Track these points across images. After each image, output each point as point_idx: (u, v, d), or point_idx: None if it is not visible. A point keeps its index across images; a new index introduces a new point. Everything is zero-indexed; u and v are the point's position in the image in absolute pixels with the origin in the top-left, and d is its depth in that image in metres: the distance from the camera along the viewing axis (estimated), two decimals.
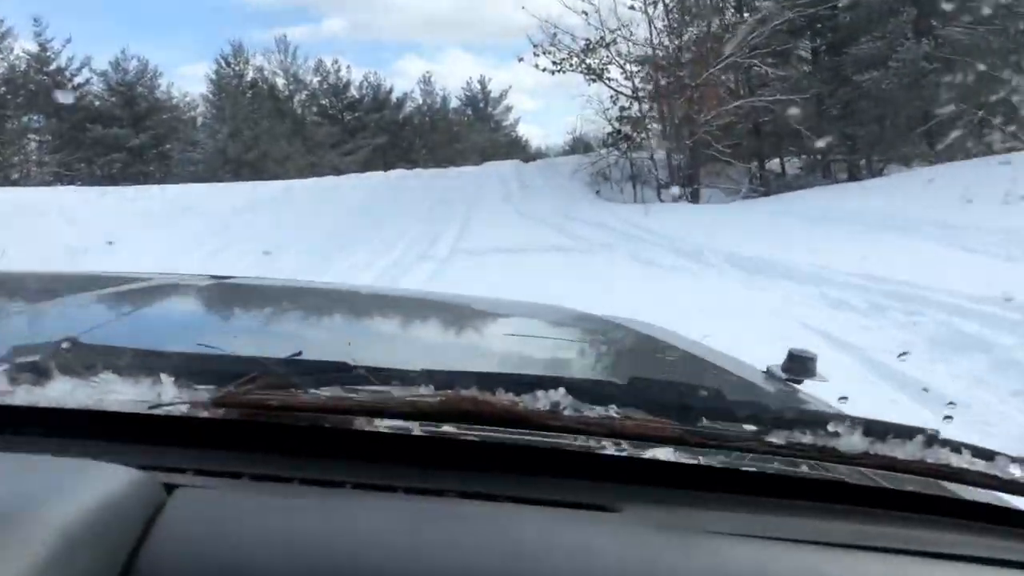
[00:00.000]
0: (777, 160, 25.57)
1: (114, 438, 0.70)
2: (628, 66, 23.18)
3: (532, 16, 23.09)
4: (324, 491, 0.65)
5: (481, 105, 60.93)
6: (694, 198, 21.71)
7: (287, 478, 0.66)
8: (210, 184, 26.11)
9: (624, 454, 0.75)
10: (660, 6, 22.99)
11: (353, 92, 53.33)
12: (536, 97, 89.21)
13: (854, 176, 22.43)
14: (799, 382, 1.29)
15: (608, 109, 24.39)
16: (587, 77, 23.13)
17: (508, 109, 61.55)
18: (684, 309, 6.29)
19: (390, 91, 54.80)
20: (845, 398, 1.18)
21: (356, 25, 71.96)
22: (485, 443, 0.74)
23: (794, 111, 20.04)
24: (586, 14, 22.69)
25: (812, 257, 9.47)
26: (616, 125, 24.08)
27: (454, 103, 58.36)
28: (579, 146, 47.40)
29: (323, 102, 52.53)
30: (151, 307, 1.49)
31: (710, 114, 21.90)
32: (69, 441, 0.68)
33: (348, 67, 53.40)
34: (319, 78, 51.26)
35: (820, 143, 20.55)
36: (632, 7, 22.67)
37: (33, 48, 40.79)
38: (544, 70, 23.06)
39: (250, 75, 47.80)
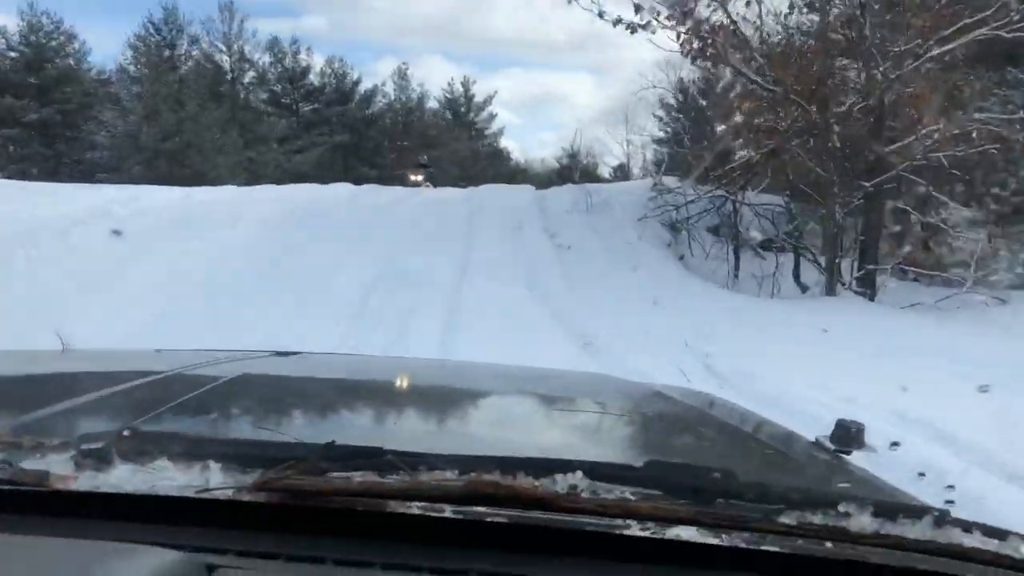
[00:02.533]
0: None
1: (167, 521, 0.75)
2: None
3: None
4: (355, 570, 0.71)
5: (463, 110, 52.87)
6: (864, 286, 11.13)
7: (321, 558, 0.72)
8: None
9: (639, 534, 0.77)
10: None
11: (313, 79, 44.52)
12: (515, 111, 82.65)
13: None
14: (848, 453, 1.29)
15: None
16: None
17: (492, 117, 54.11)
18: None
19: (357, 82, 46.21)
20: (923, 474, 1.16)
21: (336, 24, 64.94)
22: (506, 525, 0.76)
23: None
24: None
25: None
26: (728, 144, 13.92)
27: (432, 105, 49.99)
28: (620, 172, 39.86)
29: (275, 88, 43.63)
30: (210, 387, 1.55)
31: (916, 134, 10.59)
32: (127, 524, 0.74)
33: (309, 49, 44.72)
34: (272, 59, 42.49)
35: None
36: None
37: None
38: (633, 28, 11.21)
39: (184, 47, 38.99)
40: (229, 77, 40.24)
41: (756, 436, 1.50)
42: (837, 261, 10.75)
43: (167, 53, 37.88)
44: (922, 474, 4.13)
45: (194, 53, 39.23)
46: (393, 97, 47.11)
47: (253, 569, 0.69)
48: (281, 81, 43.06)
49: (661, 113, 43.25)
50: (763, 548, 0.77)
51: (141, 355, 2.16)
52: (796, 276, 12.23)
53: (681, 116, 43.77)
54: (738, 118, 13.97)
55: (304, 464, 0.78)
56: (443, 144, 47.19)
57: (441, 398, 1.81)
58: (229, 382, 1.63)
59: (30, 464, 0.80)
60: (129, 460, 0.80)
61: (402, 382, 1.95)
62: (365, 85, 46.27)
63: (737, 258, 12.74)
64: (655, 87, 34.44)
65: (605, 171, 50.43)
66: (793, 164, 11.46)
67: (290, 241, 11.31)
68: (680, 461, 1.06)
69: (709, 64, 12.26)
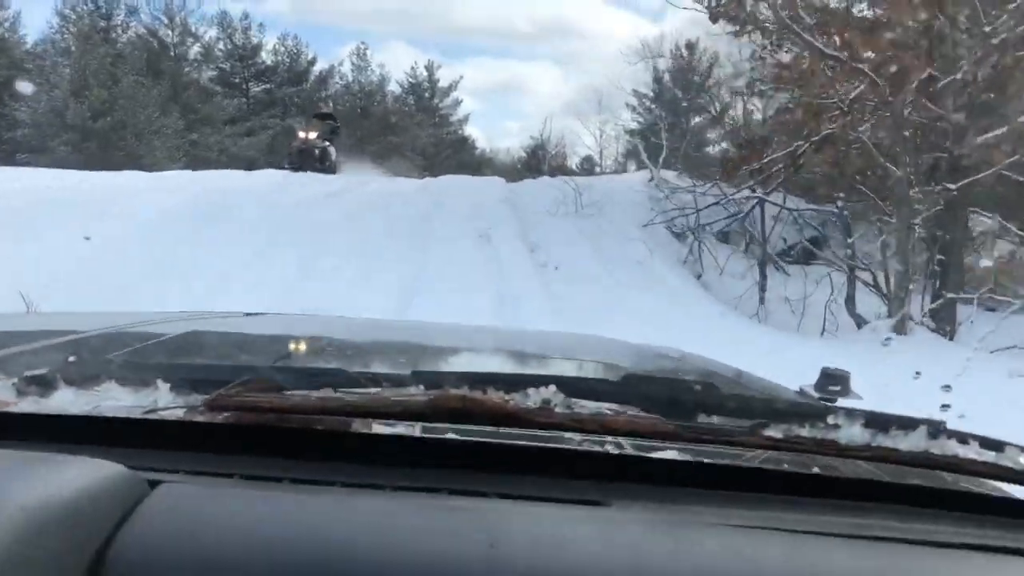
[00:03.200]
0: None
1: (112, 443, 0.70)
2: None
3: None
4: (312, 489, 0.66)
5: (427, 95, 50.10)
6: (940, 320, 8.69)
7: (277, 478, 0.67)
8: None
9: (616, 451, 0.74)
10: None
11: (265, 58, 41.25)
12: (480, 99, 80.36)
13: None
14: (833, 401, 1.26)
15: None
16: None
17: (457, 103, 51.49)
18: None
19: (312, 62, 42.99)
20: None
21: (299, 8, 62.67)
22: (475, 442, 0.74)
23: None
24: None
25: None
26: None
27: (394, 89, 47.08)
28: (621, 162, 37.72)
29: (223, 65, 40.30)
30: (169, 337, 1.49)
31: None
32: (69, 446, 0.68)
33: (261, 26, 41.27)
34: (220, 34, 39.17)
35: None
36: None
37: None
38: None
39: (121, 17, 35.56)
40: (172, 53, 36.84)
41: (739, 382, 1.45)
42: (910, 288, 8.15)
43: (102, 24, 34.30)
44: None
45: (132, 25, 35.70)
46: (351, 79, 43.88)
47: (200, 485, 0.64)
48: (230, 59, 39.73)
49: (634, 101, 40.55)
50: (747, 464, 0.75)
51: (102, 315, 2.01)
52: (850, 306, 9.31)
53: (655, 107, 41.24)
54: (778, 96, 10.82)
55: (260, 382, 0.75)
56: (404, 130, 44.19)
57: (412, 344, 1.72)
58: (187, 333, 1.58)
59: None
60: (73, 385, 0.77)
61: (373, 332, 1.89)
62: (321, 66, 43.06)
63: (764, 277, 10.03)
64: (636, 61, 31.97)
65: (572, 162, 48.18)
66: (850, 157, 8.73)
67: (161, 253, 8.22)
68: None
69: (735, 28, 9.45)
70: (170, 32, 36.80)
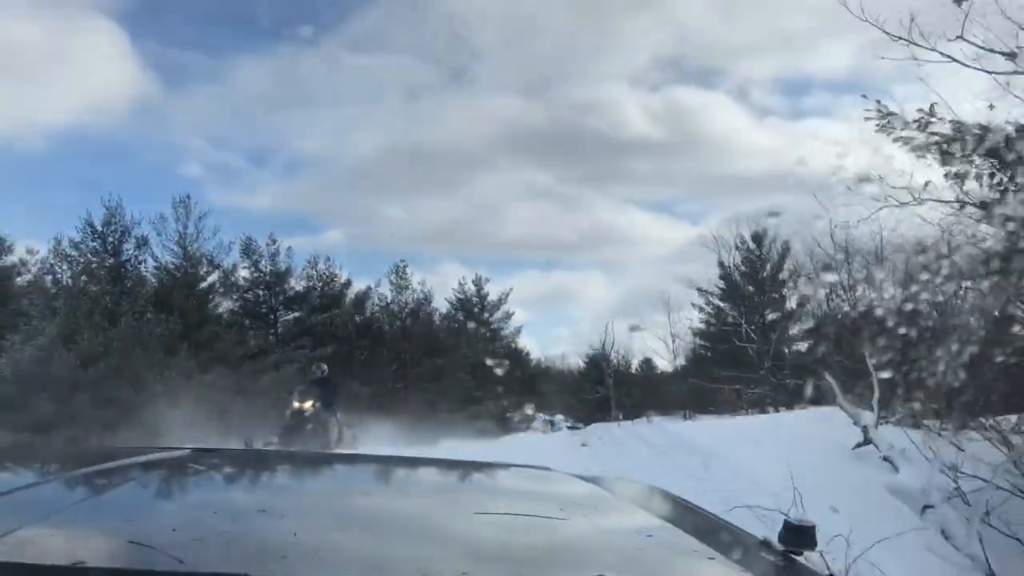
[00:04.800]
0: None
1: None
2: None
3: None
4: None
5: (476, 310, 45.74)
6: None
7: None
8: None
9: None
10: None
11: (293, 284, 37.40)
12: (528, 310, 79.02)
13: None
14: (799, 553, 1.22)
15: None
16: None
17: (508, 315, 47.08)
18: None
19: (347, 284, 39.04)
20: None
21: (352, 236, 63.22)
22: None
23: None
24: None
25: None
26: None
27: (442, 307, 42.94)
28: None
29: (247, 295, 36.51)
30: (126, 486, 1.47)
31: None
32: None
33: (289, 249, 37.73)
34: (246, 262, 35.51)
35: None
36: None
37: None
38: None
39: (129, 251, 32.16)
40: (170, 280, 32.42)
41: (706, 536, 1.30)
42: None
43: (110, 261, 30.67)
44: None
45: (141, 259, 32.02)
46: (390, 298, 39.70)
47: None
48: (256, 286, 35.93)
49: (700, 302, 35.06)
50: None
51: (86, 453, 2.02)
52: None
53: (723, 304, 35.51)
54: None
55: None
56: (452, 349, 39.29)
57: (356, 498, 1.59)
58: (139, 480, 1.52)
59: None
60: None
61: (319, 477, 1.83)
62: (357, 287, 39.10)
63: None
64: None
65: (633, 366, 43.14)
66: None
67: None
68: None
69: None
70: (174, 260, 32.69)
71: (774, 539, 1.23)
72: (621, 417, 41.21)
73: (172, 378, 27.00)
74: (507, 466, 2.07)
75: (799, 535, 1.21)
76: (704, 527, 1.38)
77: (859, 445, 9.65)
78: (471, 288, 46.49)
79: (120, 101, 56.10)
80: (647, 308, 42.03)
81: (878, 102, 9.38)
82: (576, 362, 48.86)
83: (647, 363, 45.28)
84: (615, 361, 43.84)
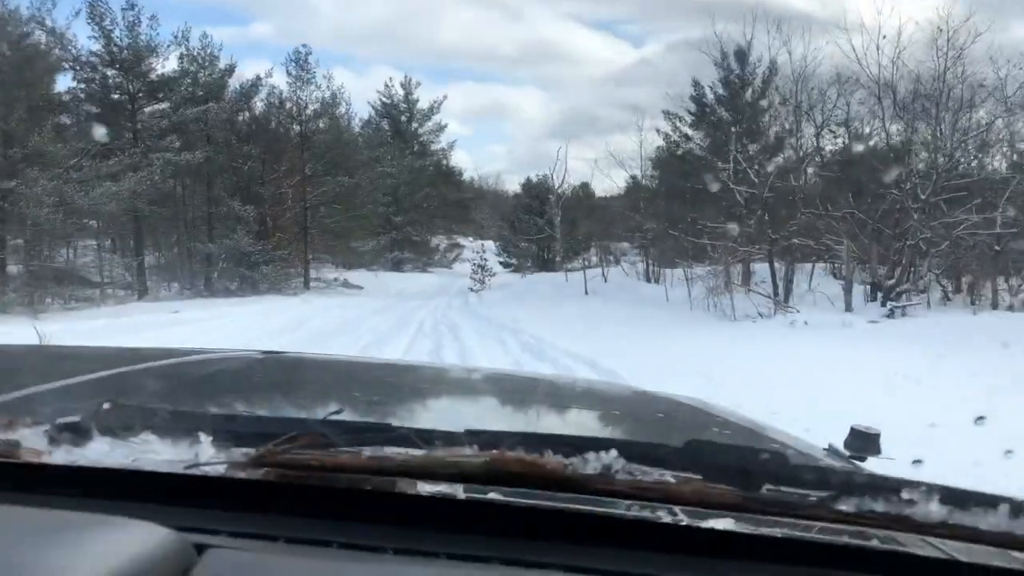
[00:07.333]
0: None
1: (150, 499, 0.68)
2: None
3: None
4: (363, 555, 0.63)
5: (403, 119, 38.15)
6: None
7: (325, 542, 0.64)
8: None
9: (681, 523, 0.70)
10: None
11: (156, 65, 28.93)
12: (463, 124, 73.65)
13: None
14: (863, 459, 1.23)
15: None
16: None
17: (440, 128, 39.78)
18: None
19: (229, 71, 30.60)
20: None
21: (283, 31, 56.32)
22: (531, 508, 0.70)
23: None
24: None
25: None
26: None
27: (364, 112, 35.47)
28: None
29: (92, 74, 28.06)
30: (199, 378, 1.46)
31: None
32: (106, 502, 0.66)
33: (154, 17, 28.64)
34: (95, 35, 26.94)
35: None
36: None
37: None
38: None
39: None
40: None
41: (772, 439, 1.33)
42: None
43: None
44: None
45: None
46: (286, 95, 31.37)
47: (248, 551, 0.61)
48: (107, 63, 27.44)
49: (667, 127, 27.71)
50: (817, 539, 0.69)
51: (124, 351, 2.00)
52: None
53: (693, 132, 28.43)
54: None
55: (308, 438, 0.71)
56: (366, 165, 31.77)
57: (459, 394, 1.73)
58: (216, 373, 1.54)
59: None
60: (109, 434, 0.74)
61: (417, 381, 1.86)
62: (245, 76, 30.80)
63: None
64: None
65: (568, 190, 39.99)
66: None
67: None
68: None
69: None
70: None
71: (838, 447, 1.23)
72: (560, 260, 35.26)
73: None
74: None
75: (864, 441, 1.21)
76: (769, 432, 1.40)
77: None
78: (399, 92, 38.58)
79: None
80: (584, 130, 36.77)
81: None
82: (513, 185, 42.85)
83: (584, 186, 39.54)
84: (560, 190, 37.31)
